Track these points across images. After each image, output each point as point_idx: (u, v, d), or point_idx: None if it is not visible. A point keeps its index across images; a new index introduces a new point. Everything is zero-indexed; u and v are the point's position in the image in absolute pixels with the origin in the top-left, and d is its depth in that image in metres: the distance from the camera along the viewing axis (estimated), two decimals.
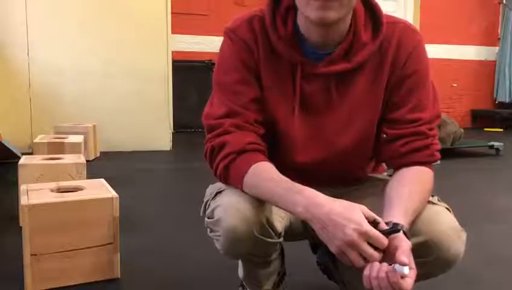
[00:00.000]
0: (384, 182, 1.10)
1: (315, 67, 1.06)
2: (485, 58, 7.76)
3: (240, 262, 1.28)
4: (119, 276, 1.58)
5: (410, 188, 1.01)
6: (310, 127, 1.10)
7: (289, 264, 1.36)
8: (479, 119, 7.52)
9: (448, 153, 4.27)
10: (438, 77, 7.12)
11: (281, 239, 1.11)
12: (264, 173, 1.00)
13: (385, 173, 1.30)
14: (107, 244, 1.56)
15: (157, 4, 4.38)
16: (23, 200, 1.49)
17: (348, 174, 1.21)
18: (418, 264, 0.89)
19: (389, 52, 1.07)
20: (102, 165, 3.72)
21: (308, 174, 1.11)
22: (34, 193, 1.57)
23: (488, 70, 7.79)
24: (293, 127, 1.10)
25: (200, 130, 5.93)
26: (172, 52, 4.74)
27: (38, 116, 4.17)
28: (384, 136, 1.10)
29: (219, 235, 1.03)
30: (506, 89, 7.63)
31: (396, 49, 1.07)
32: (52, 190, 1.64)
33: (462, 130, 4.47)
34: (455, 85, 7.53)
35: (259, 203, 1.01)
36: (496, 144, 4.58)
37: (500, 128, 7.08)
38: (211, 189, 1.12)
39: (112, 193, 1.59)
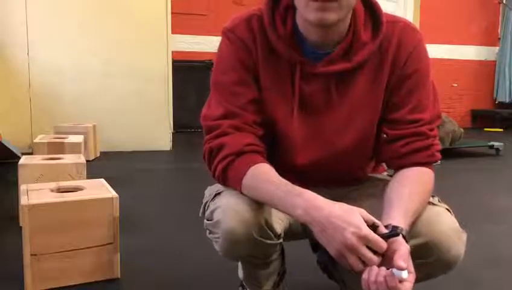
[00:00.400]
0: (384, 183, 1.10)
1: (314, 67, 1.05)
2: (485, 58, 7.76)
3: (239, 263, 1.28)
4: (119, 276, 1.58)
5: (410, 189, 1.01)
6: (309, 128, 1.10)
7: (289, 264, 1.36)
8: (479, 119, 7.52)
9: (448, 153, 4.26)
10: (438, 77, 7.11)
11: (280, 240, 1.10)
12: (263, 175, 1.00)
13: (385, 173, 1.30)
14: (107, 244, 1.56)
15: (157, 4, 4.38)
16: (23, 200, 1.49)
17: (348, 174, 1.20)
18: (418, 266, 0.89)
19: (389, 51, 1.06)
20: (102, 165, 3.72)
21: (308, 174, 1.11)
22: (34, 193, 1.57)
23: (488, 70, 7.79)
24: (292, 127, 1.09)
25: (200, 130, 5.90)
26: (172, 52, 4.74)
27: (38, 116, 4.17)
28: (385, 136, 1.10)
29: (218, 237, 1.03)
30: (506, 89, 7.63)
31: (397, 49, 1.06)
32: (52, 190, 1.64)
33: (462, 130, 4.46)
34: (455, 85, 7.53)
35: (258, 205, 1.00)
36: (496, 144, 4.58)
37: (500, 128, 7.08)
38: (210, 190, 1.12)
39: (112, 193, 1.59)
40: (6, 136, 3.59)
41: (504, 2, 7.60)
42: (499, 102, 7.76)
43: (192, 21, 5.93)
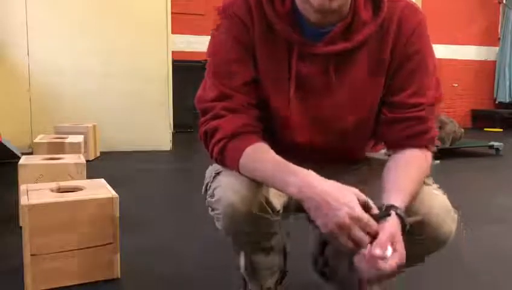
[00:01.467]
0: (382, 163, 1.10)
1: (313, 48, 1.03)
2: (485, 58, 7.76)
3: (240, 261, 1.28)
4: (119, 276, 1.58)
5: (407, 171, 1.02)
6: (307, 109, 1.09)
7: (289, 264, 1.36)
8: (479, 119, 7.52)
9: (448, 153, 4.27)
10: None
11: (279, 218, 1.11)
12: (259, 155, 1.01)
13: (383, 151, 1.29)
14: (107, 244, 1.56)
15: (157, 4, 4.38)
16: (23, 200, 1.49)
17: (347, 154, 1.20)
18: (411, 243, 0.91)
19: (390, 30, 1.04)
20: (102, 165, 3.72)
21: (307, 153, 1.11)
22: (34, 193, 1.57)
23: (488, 70, 7.79)
24: (289, 109, 1.08)
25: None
26: (172, 52, 4.74)
27: (38, 116, 4.17)
28: (384, 118, 1.09)
29: (219, 214, 1.05)
30: (506, 89, 7.63)
31: (398, 28, 1.04)
32: (52, 190, 1.64)
33: (462, 130, 4.46)
34: (456, 85, 7.53)
35: (257, 183, 1.02)
36: (496, 144, 4.58)
37: (500, 128, 7.09)
38: (210, 171, 1.13)
39: (111, 193, 1.59)
40: (6, 136, 3.59)
41: (504, 2, 7.60)
42: (499, 102, 7.77)
43: (192, 21, 5.93)
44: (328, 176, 0.94)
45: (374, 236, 0.87)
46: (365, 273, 0.87)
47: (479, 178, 3.61)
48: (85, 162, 2.20)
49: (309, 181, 0.91)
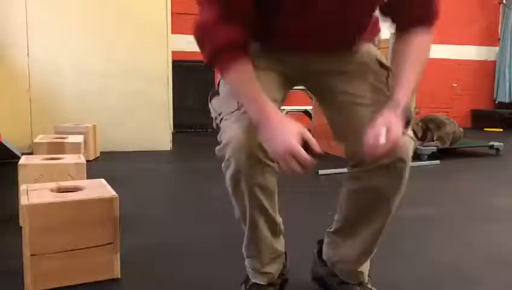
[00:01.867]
0: (372, 69, 1.23)
1: None
2: (485, 58, 7.76)
3: (244, 239, 1.28)
4: (119, 276, 1.58)
5: (417, 61, 1.17)
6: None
7: (290, 264, 1.36)
8: (479, 119, 7.52)
9: (448, 153, 4.27)
10: (438, 77, 7.14)
11: (276, 165, 1.16)
12: (240, 78, 1.13)
13: (378, 37, 1.34)
14: (107, 244, 1.56)
15: (157, 4, 4.38)
16: (23, 200, 1.49)
17: (343, 41, 1.23)
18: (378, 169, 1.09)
19: None
20: (102, 165, 3.72)
21: (304, 39, 1.18)
22: (34, 193, 1.57)
23: (488, 70, 7.79)
24: None
25: (199, 130, 5.92)
26: (172, 52, 4.73)
27: (38, 116, 4.17)
28: None
29: (227, 159, 1.14)
30: (506, 89, 7.63)
31: None
32: (52, 190, 1.64)
33: (462, 130, 4.46)
34: (455, 85, 7.54)
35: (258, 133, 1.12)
36: (496, 144, 4.58)
37: (500, 128, 7.09)
38: (214, 110, 1.24)
39: (112, 193, 1.59)
40: (6, 136, 3.59)
41: (504, 2, 7.61)
42: (499, 102, 7.76)
43: (192, 21, 5.92)
44: (321, 72, 1.17)
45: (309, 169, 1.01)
46: (368, 155, 1.05)
47: (479, 178, 3.61)
48: (85, 162, 2.20)
49: (266, 113, 1.06)
